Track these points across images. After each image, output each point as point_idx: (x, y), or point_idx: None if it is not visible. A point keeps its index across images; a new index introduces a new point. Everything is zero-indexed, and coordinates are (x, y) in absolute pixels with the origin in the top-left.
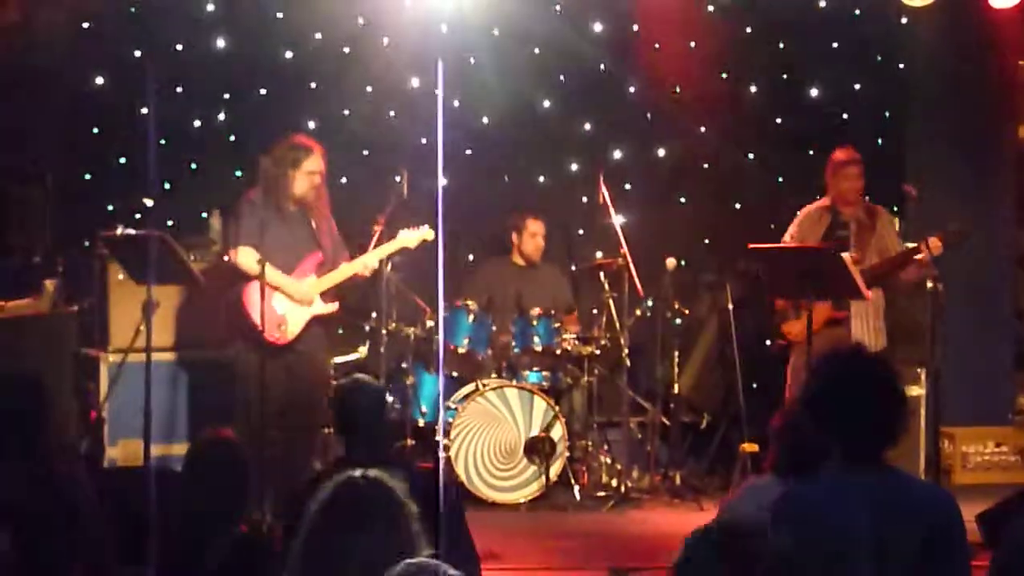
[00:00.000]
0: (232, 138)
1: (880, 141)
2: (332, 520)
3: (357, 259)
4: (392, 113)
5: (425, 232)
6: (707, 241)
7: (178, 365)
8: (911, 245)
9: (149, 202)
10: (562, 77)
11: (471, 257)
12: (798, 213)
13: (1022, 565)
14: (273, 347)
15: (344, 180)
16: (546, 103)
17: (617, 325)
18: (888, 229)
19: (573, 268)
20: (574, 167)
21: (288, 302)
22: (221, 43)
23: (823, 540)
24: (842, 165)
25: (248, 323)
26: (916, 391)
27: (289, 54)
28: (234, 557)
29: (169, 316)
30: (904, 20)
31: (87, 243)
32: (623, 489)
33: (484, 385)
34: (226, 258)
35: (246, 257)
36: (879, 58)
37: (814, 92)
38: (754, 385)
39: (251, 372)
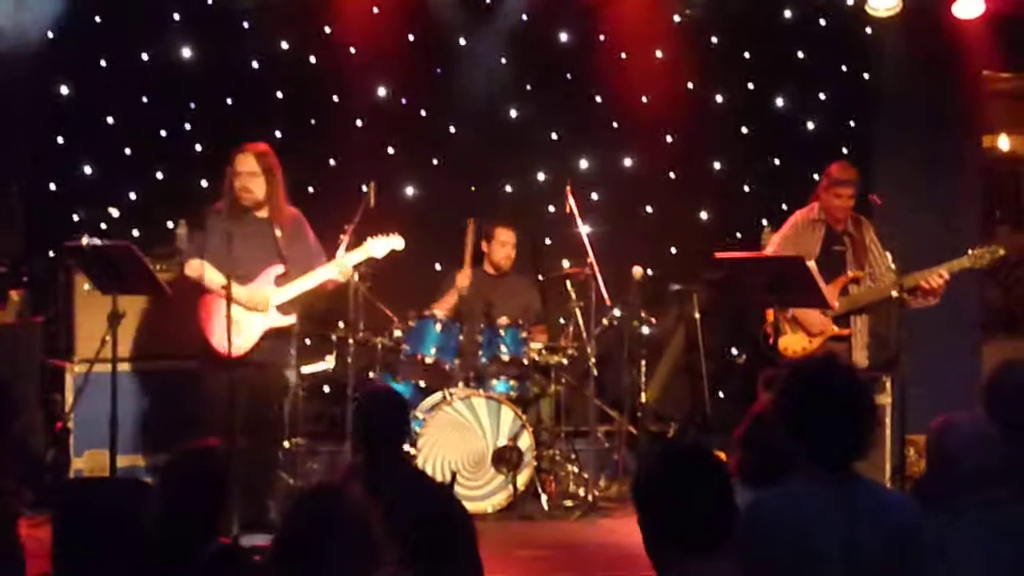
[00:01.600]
0: (199, 148)
1: (845, 150)
2: (296, 533)
3: (320, 268)
4: (359, 123)
5: (394, 241)
6: (674, 250)
7: (144, 376)
8: (913, 277)
9: (115, 212)
10: (529, 86)
11: (438, 266)
12: (789, 219)
13: None
14: (227, 360)
15: (311, 190)
16: (513, 112)
17: (584, 334)
18: (875, 242)
19: (540, 277)
20: (541, 176)
21: (244, 314)
22: (187, 53)
23: (792, 548)
24: (837, 182)
25: (202, 335)
26: (883, 400)
27: (256, 63)
28: (214, 570)
29: (135, 327)
30: (869, 30)
31: (53, 253)
32: (591, 498)
33: (451, 395)
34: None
35: (193, 270)
36: (844, 68)
37: (780, 101)
38: (721, 394)
39: (208, 385)
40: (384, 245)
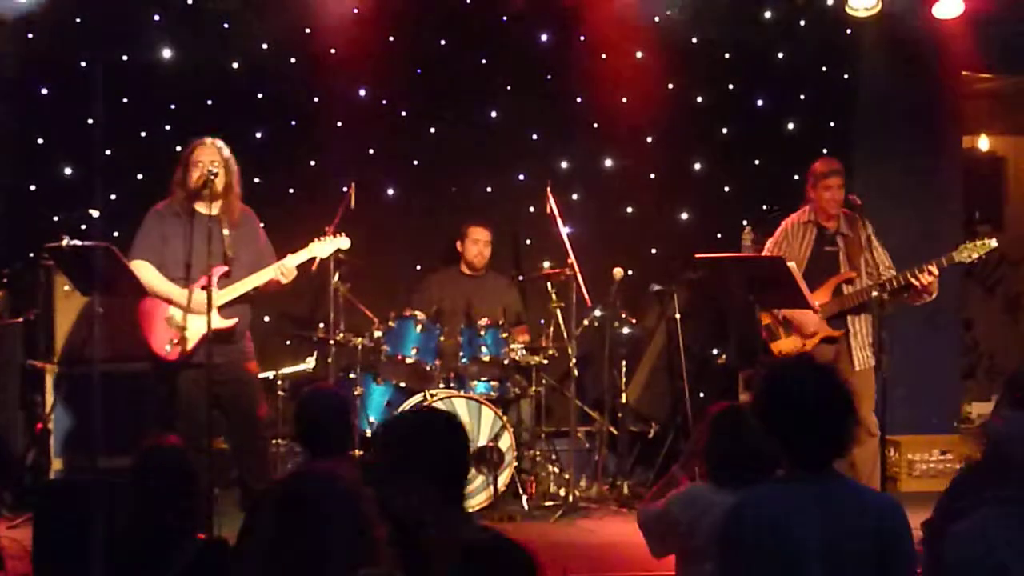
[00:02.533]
0: (179, 149)
1: (825, 151)
2: (287, 515)
3: (262, 270)
4: (340, 123)
5: (340, 241)
6: (654, 250)
7: (123, 376)
8: (904, 275)
9: (95, 213)
10: (509, 87)
11: (419, 267)
12: (782, 224)
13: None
14: (169, 362)
15: (291, 190)
16: (493, 113)
17: (565, 335)
18: (872, 240)
19: (521, 278)
20: (521, 177)
21: (185, 317)
22: (168, 53)
23: (774, 547)
24: (823, 176)
25: (143, 339)
26: None
27: (236, 64)
28: (195, 565)
29: (112, 327)
30: (849, 30)
31: (32, 254)
32: (571, 499)
33: (432, 395)
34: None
35: (135, 271)
36: (824, 68)
37: (760, 102)
38: (701, 394)
39: (161, 387)
40: (329, 246)
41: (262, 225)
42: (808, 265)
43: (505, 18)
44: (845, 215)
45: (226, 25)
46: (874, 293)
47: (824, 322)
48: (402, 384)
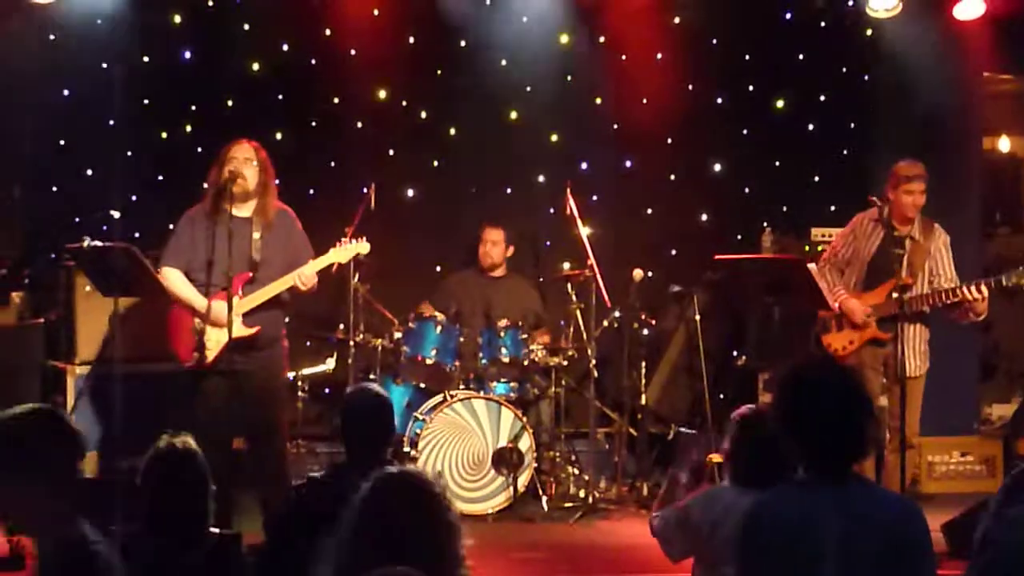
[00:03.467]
0: (199, 150)
1: (845, 152)
2: (377, 511)
3: (282, 278)
4: (360, 125)
5: (359, 246)
6: (674, 252)
7: (144, 377)
8: (961, 288)
9: (116, 214)
10: (529, 88)
11: (438, 268)
12: (853, 219)
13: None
14: (194, 370)
15: (312, 192)
16: (513, 114)
17: (584, 336)
18: (942, 250)
19: (540, 279)
20: (541, 178)
21: (208, 328)
22: (188, 55)
23: (791, 549)
24: (906, 180)
25: (167, 341)
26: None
27: (256, 65)
28: (215, 560)
29: (134, 328)
30: (869, 31)
31: (54, 255)
32: (591, 500)
33: (452, 396)
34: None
35: (163, 278)
36: (845, 69)
37: (780, 103)
38: (721, 395)
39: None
40: (348, 251)
41: None
42: (871, 264)
43: (525, 19)
44: (922, 221)
45: (246, 27)
46: (894, 295)
47: (872, 321)
48: (422, 385)
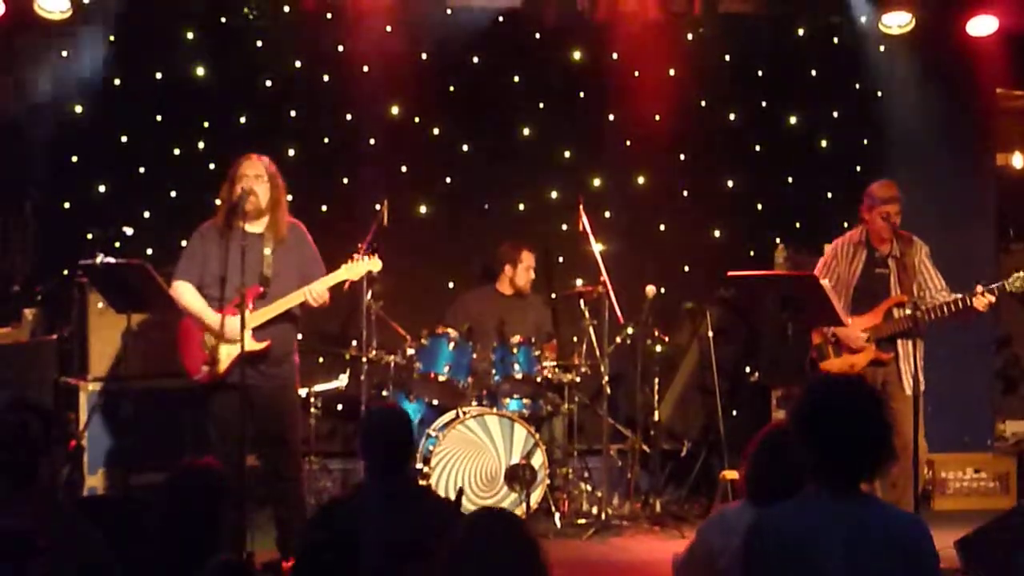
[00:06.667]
0: (212, 166)
1: (859, 168)
2: (477, 549)
3: (292, 294)
4: (372, 141)
5: (371, 263)
6: (687, 268)
7: (156, 394)
8: (958, 296)
9: (129, 230)
10: (541, 105)
11: (451, 284)
12: (832, 244)
13: None
14: (203, 383)
15: (324, 208)
16: (526, 131)
17: (597, 352)
18: (925, 262)
19: (553, 296)
20: (554, 195)
21: (219, 343)
22: (201, 71)
23: (796, 564)
24: (881, 202)
25: (178, 357)
26: None
27: (269, 82)
28: None
29: (146, 345)
30: (882, 48)
31: (66, 272)
32: (603, 516)
33: (465, 413)
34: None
35: (175, 292)
36: (857, 86)
37: (792, 119)
38: (734, 412)
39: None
40: (360, 268)
41: None
42: (857, 287)
43: (538, 35)
44: (900, 237)
45: (259, 43)
46: (908, 311)
47: (871, 344)
48: (435, 402)
